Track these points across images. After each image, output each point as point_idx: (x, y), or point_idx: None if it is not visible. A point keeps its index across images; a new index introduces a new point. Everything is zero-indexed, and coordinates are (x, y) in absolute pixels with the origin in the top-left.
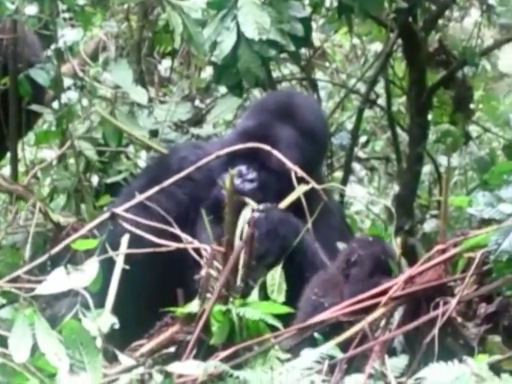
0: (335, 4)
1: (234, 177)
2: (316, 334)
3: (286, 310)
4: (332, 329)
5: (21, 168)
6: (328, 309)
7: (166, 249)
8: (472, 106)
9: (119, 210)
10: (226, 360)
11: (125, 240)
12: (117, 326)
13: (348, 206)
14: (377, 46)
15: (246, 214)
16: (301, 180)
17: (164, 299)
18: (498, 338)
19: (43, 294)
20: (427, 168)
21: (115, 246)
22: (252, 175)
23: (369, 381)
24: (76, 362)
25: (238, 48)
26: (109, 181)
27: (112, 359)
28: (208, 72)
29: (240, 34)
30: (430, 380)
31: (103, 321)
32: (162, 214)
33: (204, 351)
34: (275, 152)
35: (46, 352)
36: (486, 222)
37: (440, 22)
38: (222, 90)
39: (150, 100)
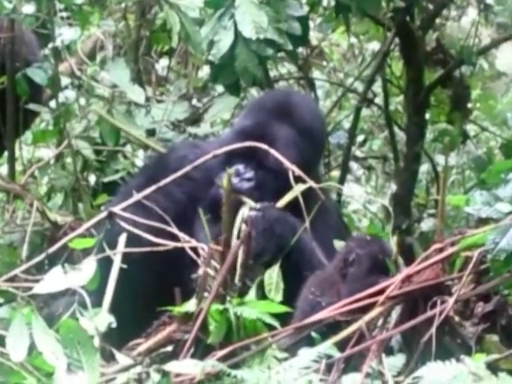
0: (332, 3)
1: (231, 176)
2: (313, 333)
3: (283, 309)
4: (329, 328)
5: (18, 167)
6: (325, 308)
7: (163, 248)
8: (469, 105)
9: (117, 209)
10: (223, 359)
11: (122, 239)
12: (114, 325)
13: (345, 205)
14: (374, 45)
15: (243, 213)
16: (298, 179)
17: (161, 298)
18: (495, 337)
19: (40, 293)
20: (425, 167)
21: (112, 245)
22: (249, 174)
23: (366, 380)
24: (73, 361)
25: (236, 47)
26: (106, 180)
27: (109, 358)
28: (205, 71)
29: (237, 33)
30: (428, 379)
31: (100, 320)
32: (159, 213)
33: (201, 350)
34: (273, 151)
35: (43, 351)
36: (483, 221)
37: (437, 21)
38: (220, 89)
39: (148, 99)
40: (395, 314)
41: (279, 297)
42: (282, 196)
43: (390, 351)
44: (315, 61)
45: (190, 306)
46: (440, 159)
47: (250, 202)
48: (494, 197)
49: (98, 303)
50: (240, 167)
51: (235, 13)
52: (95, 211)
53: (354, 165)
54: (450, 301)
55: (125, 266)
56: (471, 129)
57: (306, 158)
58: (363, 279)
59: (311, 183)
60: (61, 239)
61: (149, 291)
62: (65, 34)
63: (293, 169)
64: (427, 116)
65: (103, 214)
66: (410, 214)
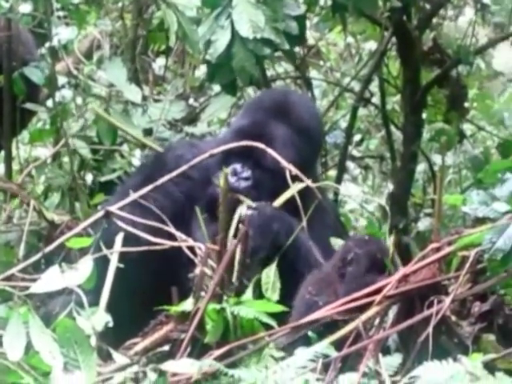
0: (329, 2)
1: (228, 175)
2: (310, 333)
3: (280, 308)
4: (326, 327)
5: (15, 166)
6: (322, 307)
7: (160, 247)
8: (466, 104)
9: (113, 209)
10: (220, 358)
11: (119, 238)
12: (111, 325)
13: (342, 205)
14: (371, 45)
15: (240, 212)
16: (295, 178)
17: (158, 297)
18: (492, 337)
19: (37, 292)
20: (421, 166)
21: (109, 244)
22: (247, 173)
23: (363, 379)
24: (70, 361)
25: (233, 46)
26: (103, 179)
27: (106, 357)
28: (202, 70)
29: (234, 33)
30: (424, 379)
31: (97, 319)
32: (156, 212)
33: (198, 350)
34: (270, 150)
35: (40, 350)
36: (480, 221)
37: (434, 20)
38: (216, 88)
39: (144, 98)
40: (392, 314)
41: (276, 296)
42: (279, 195)
43: (386, 351)
44: (312, 60)
45: (187, 305)
46: (437, 159)
47: (247, 201)
48: (491, 196)
49: (94, 302)
50: (237, 166)
51: (232, 12)
52: (92, 210)
53: (350, 164)
54: (447, 300)
55: (122, 265)
56: (468, 128)
57: (303, 157)
58: (361, 278)
59: (308, 182)
60: (58, 238)
61: (146, 290)
62: (62, 33)
63: (290, 168)
64: (424, 115)
65: (100, 214)
66: (406, 214)
